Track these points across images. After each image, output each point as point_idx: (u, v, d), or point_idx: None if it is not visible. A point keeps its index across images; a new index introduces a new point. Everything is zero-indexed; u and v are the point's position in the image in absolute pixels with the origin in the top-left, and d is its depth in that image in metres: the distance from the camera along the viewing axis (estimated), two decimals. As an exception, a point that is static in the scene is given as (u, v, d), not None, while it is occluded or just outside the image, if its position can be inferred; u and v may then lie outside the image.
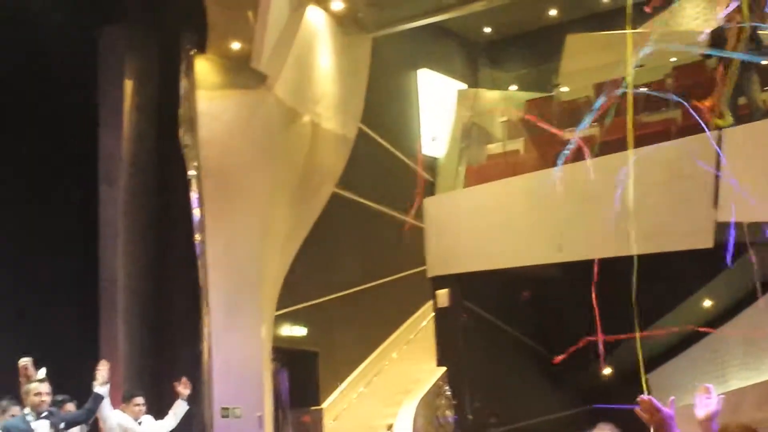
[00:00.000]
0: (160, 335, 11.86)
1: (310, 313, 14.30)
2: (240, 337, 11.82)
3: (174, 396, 10.26)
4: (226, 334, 11.72)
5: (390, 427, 14.61)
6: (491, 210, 13.36)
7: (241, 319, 11.89)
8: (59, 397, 9.09)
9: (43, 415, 8.44)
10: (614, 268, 11.20)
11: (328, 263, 14.49)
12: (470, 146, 15.91)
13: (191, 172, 12.12)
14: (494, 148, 16.07)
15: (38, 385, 8.54)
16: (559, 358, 10.27)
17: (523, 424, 13.49)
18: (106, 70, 12.42)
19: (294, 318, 14.11)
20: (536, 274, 13.04)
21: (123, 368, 10.83)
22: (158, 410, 10.22)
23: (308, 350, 14.55)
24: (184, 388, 10.28)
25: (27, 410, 8.47)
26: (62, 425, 8.69)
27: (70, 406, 9.53)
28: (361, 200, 15.24)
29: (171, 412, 10.21)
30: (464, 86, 18.15)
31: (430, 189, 15.27)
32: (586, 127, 11.87)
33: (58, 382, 8.82)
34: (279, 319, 13.14)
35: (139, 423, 9.89)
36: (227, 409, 11.34)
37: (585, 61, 16.30)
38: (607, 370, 13.32)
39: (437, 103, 17.38)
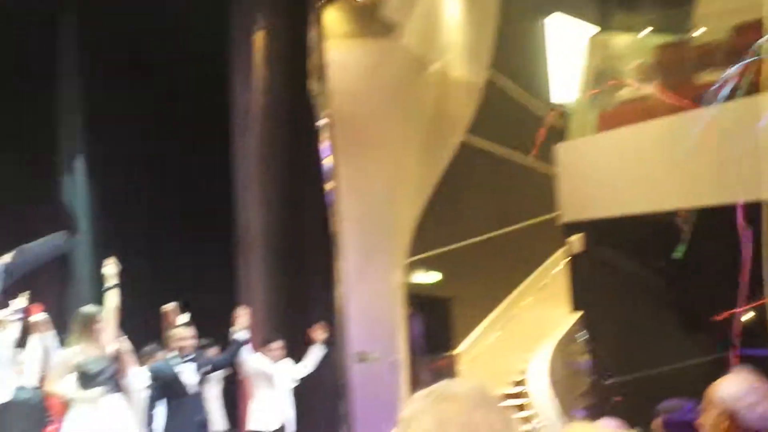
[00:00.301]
0: (296, 281, 12.07)
1: (443, 260, 14.38)
2: (374, 282, 11.97)
3: (310, 340, 10.47)
4: (360, 280, 11.87)
5: (524, 372, 14.66)
6: (624, 156, 13.18)
7: (374, 265, 12.03)
8: (203, 342, 9.38)
9: (189, 358, 8.72)
10: (752, 213, 11.00)
11: (460, 210, 14.51)
12: (602, 92, 15.64)
13: (322, 121, 12.25)
14: (626, 93, 15.76)
15: (183, 329, 8.83)
16: (722, 316, 10.14)
17: (659, 370, 13.33)
18: (238, 22, 12.59)
19: (427, 264, 14.22)
20: (671, 218, 12.83)
21: (261, 313, 11.06)
22: (295, 354, 10.45)
23: (442, 296, 14.65)
24: (320, 333, 10.48)
25: (172, 354, 8.76)
26: (206, 368, 8.97)
27: (213, 351, 9.83)
28: (492, 147, 15.17)
29: (308, 357, 10.43)
30: (595, 31, 17.80)
31: (562, 136, 15.08)
32: (730, 70, 11.58)
33: (199, 328, 9.10)
34: (412, 266, 13.24)
35: (277, 367, 10.13)
36: (362, 353, 11.50)
37: (721, 3, 15.81)
38: (747, 315, 13.04)
39: (568, 48, 17.11)
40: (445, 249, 14.35)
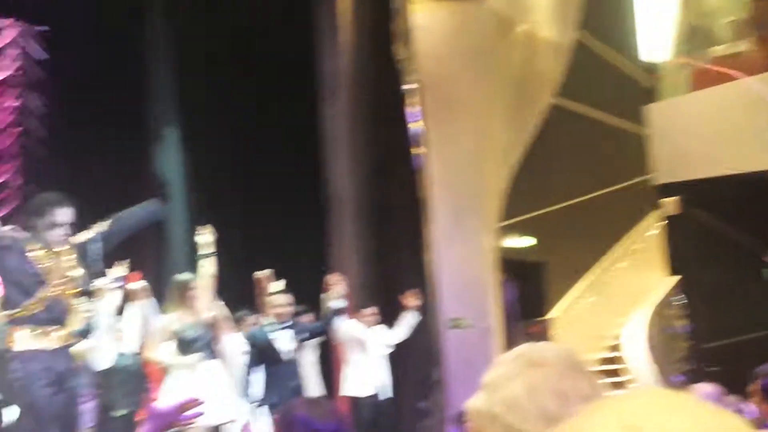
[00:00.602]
0: (387, 247, 12.09)
1: (536, 224, 14.28)
2: (465, 248, 11.92)
3: (403, 307, 10.49)
4: (452, 246, 11.84)
5: (619, 337, 14.51)
6: (718, 115, 12.91)
7: (465, 230, 11.98)
8: (297, 309, 9.45)
9: (285, 325, 8.80)
10: None
11: (551, 173, 14.37)
12: (694, 49, 15.30)
13: (407, 86, 12.22)
14: (720, 50, 15.41)
15: (279, 296, 8.91)
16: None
17: (757, 334, 13.10)
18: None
19: (519, 229, 14.13)
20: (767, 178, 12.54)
21: (353, 280, 11.11)
22: (388, 321, 10.48)
23: (535, 261, 14.56)
24: (413, 300, 10.49)
25: (268, 320, 8.86)
26: (303, 335, 9.04)
27: (307, 318, 9.91)
28: (582, 109, 14.97)
29: (401, 323, 10.45)
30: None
31: (653, 95, 14.82)
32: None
33: (292, 295, 9.18)
34: (504, 230, 13.16)
35: (370, 333, 10.18)
36: (455, 319, 11.49)
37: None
38: None
39: (659, 5, 16.75)
40: (538, 213, 14.25)
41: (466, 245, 11.99)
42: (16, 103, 13.73)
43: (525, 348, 1.75)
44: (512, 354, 1.74)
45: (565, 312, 14.35)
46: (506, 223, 13.19)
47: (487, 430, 1.67)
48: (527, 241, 14.78)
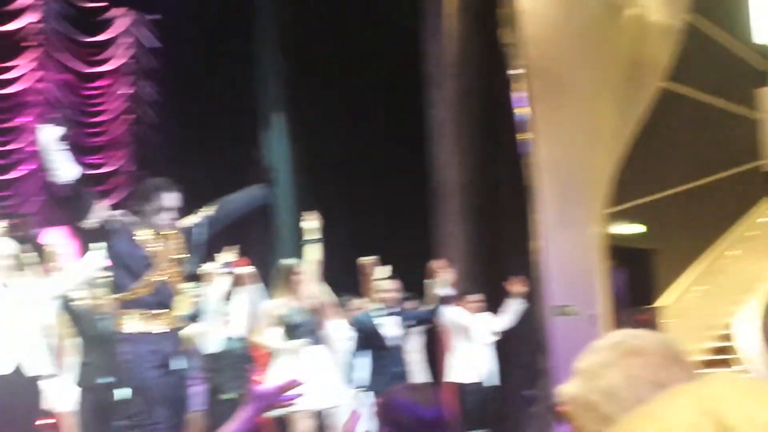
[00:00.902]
0: (493, 234, 12.04)
1: (645, 211, 14.06)
2: (572, 235, 11.79)
3: (509, 294, 10.43)
4: (558, 232, 11.72)
5: (730, 326, 14.21)
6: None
7: (571, 216, 11.86)
8: (401, 295, 9.45)
9: (392, 311, 8.80)
10: None
11: (660, 159, 14.13)
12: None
13: (514, 71, 12.13)
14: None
15: (386, 282, 8.92)
16: None
17: None
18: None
19: (628, 216, 13.94)
20: None
21: (458, 266, 11.08)
22: (493, 308, 10.43)
23: (644, 248, 14.35)
24: (519, 287, 10.41)
25: (376, 306, 8.87)
26: (410, 322, 9.04)
27: (411, 304, 9.91)
28: (692, 93, 14.66)
29: (507, 310, 10.39)
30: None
31: (766, 78, 14.42)
32: None
33: (398, 281, 9.19)
34: (612, 217, 12.98)
35: (475, 320, 10.14)
36: (562, 307, 11.37)
37: None
38: None
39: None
40: (647, 199, 14.03)
41: (573, 232, 11.86)
42: (129, 91, 14.07)
43: (622, 335, 1.71)
44: (608, 341, 1.70)
45: (676, 300, 14.12)
46: (615, 209, 13.01)
47: (581, 416, 1.64)
48: (636, 228, 14.56)
